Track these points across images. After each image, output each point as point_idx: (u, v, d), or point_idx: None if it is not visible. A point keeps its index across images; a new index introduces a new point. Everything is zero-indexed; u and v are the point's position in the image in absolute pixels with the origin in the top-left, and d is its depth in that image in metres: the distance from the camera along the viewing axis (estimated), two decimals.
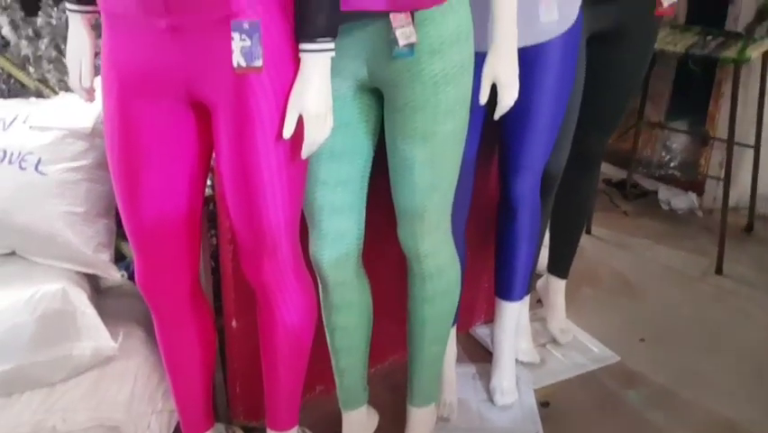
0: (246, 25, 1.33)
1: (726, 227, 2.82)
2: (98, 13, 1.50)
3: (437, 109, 1.55)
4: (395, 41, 1.48)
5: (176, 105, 1.45)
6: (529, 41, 1.74)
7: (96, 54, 1.56)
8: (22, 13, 2.52)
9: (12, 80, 2.70)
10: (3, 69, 2.69)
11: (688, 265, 2.89)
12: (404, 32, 1.48)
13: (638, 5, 2.00)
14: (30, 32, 2.49)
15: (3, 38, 2.65)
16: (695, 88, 3.20)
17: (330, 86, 1.40)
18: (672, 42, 2.79)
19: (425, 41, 1.49)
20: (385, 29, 1.48)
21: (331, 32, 1.37)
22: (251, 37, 1.34)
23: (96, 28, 1.56)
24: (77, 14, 1.54)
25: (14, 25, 2.55)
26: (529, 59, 1.75)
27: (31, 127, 1.82)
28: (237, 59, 1.34)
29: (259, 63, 1.35)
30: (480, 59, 1.61)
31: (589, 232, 3.07)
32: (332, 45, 1.37)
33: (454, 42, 1.52)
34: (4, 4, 2.58)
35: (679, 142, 3.29)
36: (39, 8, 2.39)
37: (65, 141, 1.81)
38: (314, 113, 1.39)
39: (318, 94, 1.38)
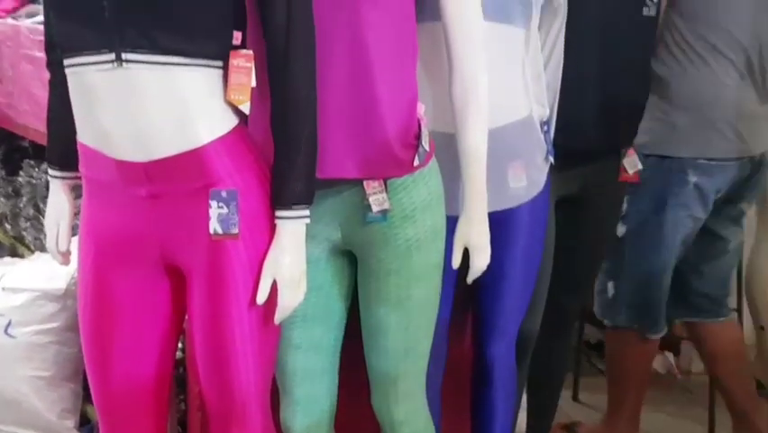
0: (224, 194, 1.36)
1: (714, 393, 2.72)
2: (79, 178, 1.53)
3: (410, 273, 1.57)
4: (368, 208, 1.52)
5: (151, 270, 1.45)
6: (499, 206, 1.79)
7: (75, 214, 1.58)
8: (3, 172, 2.58)
9: None
10: None
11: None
12: (377, 198, 1.52)
13: (603, 172, 2.08)
14: (9, 190, 2.54)
15: None
16: None
17: (304, 253, 1.42)
18: None
19: (397, 208, 1.54)
20: (358, 195, 1.52)
21: (307, 199, 1.40)
22: (228, 205, 1.37)
23: (76, 189, 1.59)
24: (59, 180, 1.57)
25: None
26: (499, 223, 1.79)
27: (3, 289, 1.82)
28: (214, 227, 1.36)
29: (235, 230, 1.37)
30: (451, 222, 1.65)
31: (575, 398, 3.01)
32: (307, 212, 1.41)
33: (426, 208, 1.57)
34: None
35: None
36: (20, 168, 2.45)
37: (36, 302, 1.80)
38: (288, 278, 1.40)
39: (293, 260, 1.40)
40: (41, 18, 2.36)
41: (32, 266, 1.88)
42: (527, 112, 1.79)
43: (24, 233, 2.37)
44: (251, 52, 1.36)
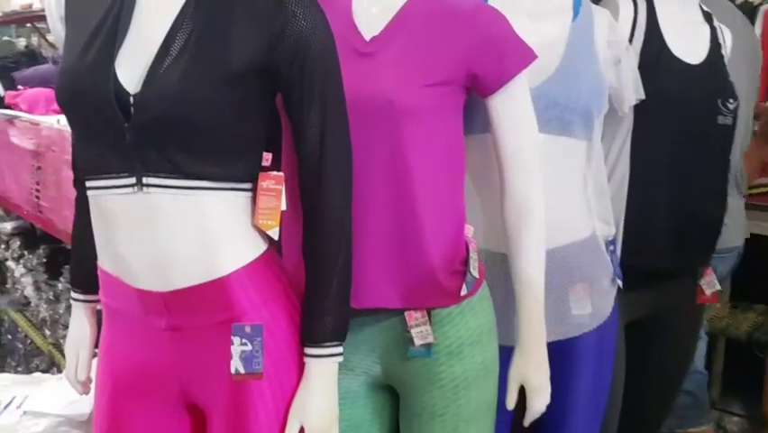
0: (248, 329, 1.23)
1: None
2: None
3: (459, 417, 1.39)
4: (410, 341, 1.36)
5: (170, 407, 1.32)
6: (560, 336, 1.60)
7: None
8: (46, 276, 2.52)
9: (29, 341, 2.65)
10: (21, 329, 2.65)
11: None
12: (420, 331, 1.37)
13: (678, 292, 1.88)
14: (51, 294, 2.47)
15: (25, 297, 2.63)
16: (747, 367, 2.99)
17: (336, 395, 1.26)
18: (732, 325, 2.63)
19: (442, 342, 1.38)
20: (400, 325, 1.38)
21: (339, 336, 1.26)
22: (252, 341, 1.23)
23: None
24: (81, 304, 1.47)
25: (37, 286, 2.55)
26: (560, 355, 1.60)
27: (25, 413, 1.70)
28: (236, 366, 1.22)
29: (259, 369, 1.23)
30: (505, 353, 1.48)
31: None
32: (340, 349, 1.26)
33: (475, 343, 1.40)
34: (29, 265, 2.59)
35: (733, 423, 3.02)
36: (61, 273, 2.38)
37: (59, 429, 1.68)
38: (317, 426, 1.24)
39: (323, 404, 1.24)
40: None
41: (57, 387, 1.77)
42: (590, 231, 1.62)
43: (62, 340, 2.28)
44: (281, 174, 1.25)
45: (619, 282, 1.68)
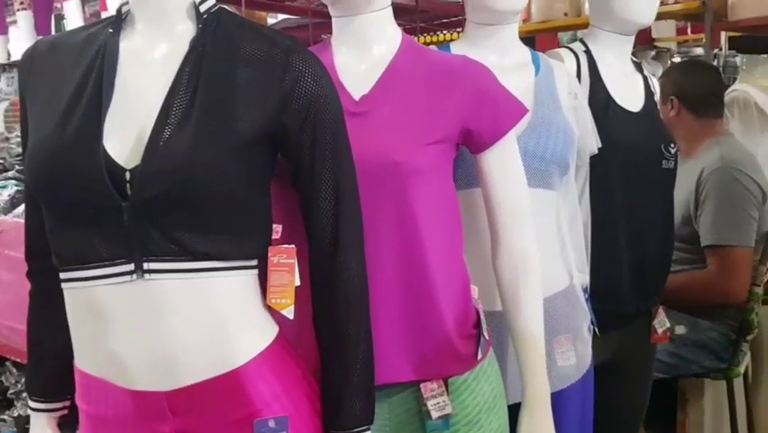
0: (272, 423, 1.10)
1: None
2: (67, 408, 1.25)
3: None
4: (427, 414, 1.28)
5: None
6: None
7: None
8: None
9: None
10: None
11: None
12: (437, 403, 1.29)
13: (634, 334, 1.91)
14: None
15: None
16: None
17: None
18: None
19: (461, 412, 1.31)
20: (413, 399, 1.29)
21: (369, 418, 1.16)
22: None
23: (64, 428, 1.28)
24: (43, 414, 1.27)
25: None
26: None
27: None
28: None
29: None
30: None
31: None
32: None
33: (491, 409, 1.34)
34: None
35: None
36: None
37: None
38: None
39: None
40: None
41: None
42: (569, 280, 1.62)
43: None
44: (292, 247, 1.14)
45: (595, 329, 1.68)
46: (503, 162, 1.37)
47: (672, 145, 1.86)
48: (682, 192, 2.29)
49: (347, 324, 1.15)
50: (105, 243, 1.05)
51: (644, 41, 5.06)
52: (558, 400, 1.60)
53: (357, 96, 1.31)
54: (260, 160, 1.10)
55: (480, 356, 1.33)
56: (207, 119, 1.06)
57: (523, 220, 1.40)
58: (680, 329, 2.51)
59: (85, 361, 1.13)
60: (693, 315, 2.51)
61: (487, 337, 1.36)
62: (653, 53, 5.41)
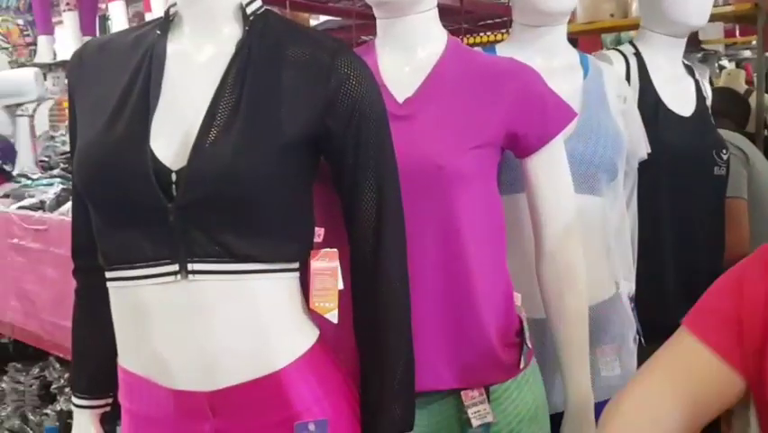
0: (312, 427, 1.09)
1: None
2: (110, 404, 1.25)
3: None
4: (467, 422, 1.26)
5: None
6: None
7: None
8: None
9: None
10: None
11: None
12: (478, 411, 1.27)
13: None
14: None
15: None
16: None
17: None
18: None
19: (502, 421, 1.28)
20: (454, 406, 1.27)
21: (409, 424, 1.14)
22: None
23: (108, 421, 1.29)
24: (86, 410, 1.28)
25: None
26: None
27: None
28: None
29: None
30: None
31: None
32: None
33: (533, 419, 1.32)
34: None
35: None
36: (4, 371, 2.12)
37: None
38: None
39: None
40: (29, 201, 2.12)
41: None
42: (615, 289, 1.58)
43: None
44: (335, 251, 1.13)
45: (641, 339, 1.64)
46: (550, 168, 1.35)
47: (725, 151, 1.81)
48: None
49: (388, 330, 1.14)
50: (151, 243, 1.05)
51: (690, 43, 4.96)
52: (602, 411, 1.58)
53: (401, 98, 1.30)
54: (305, 162, 1.10)
55: (522, 365, 1.31)
56: (253, 121, 1.05)
57: (568, 228, 1.37)
58: None
59: (128, 359, 1.13)
60: None
61: (530, 346, 1.33)
62: (699, 56, 5.31)
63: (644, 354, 1.73)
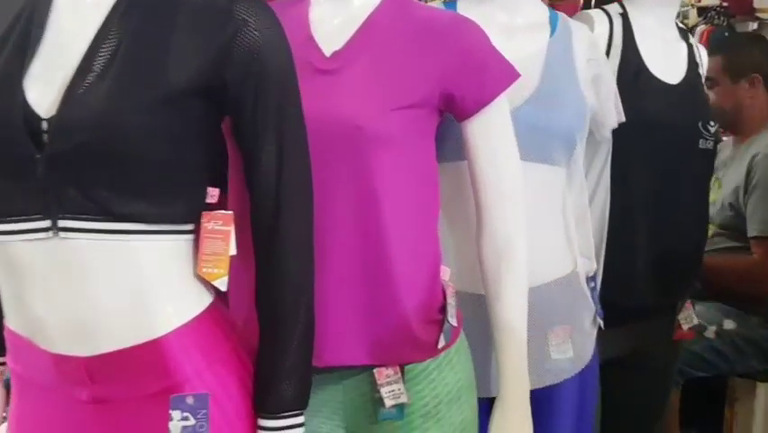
0: (190, 400, 1.02)
1: None
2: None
3: None
4: (380, 401, 1.19)
5: None
6: (539, 384, 1.43)
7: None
8: None
9: None
10: None
11: None
12: (391, 390, 1.19)
13: (656, 329, 1.75)
14: None
15: None
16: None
17: None
18: None
19: (417, 401, 1.20)
20: (367, 384, 1.20)
21: (300, 405, 1.07)
22: (195, 415, 1.03)
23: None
24: None
25: None
26: (540, 404, 1.42)
27: None
28: None
29: None
30: (483, 406, 1.31)
31: None
32: (301, 419, 1.07)
33: (453, 401, 1.23)
34: None
35: None
36: None
37: None
38: None
39: None
40: None
41: None
42: (571, 267, 1.47)
43: None
44: (230, 213, 1.05)
45: (600, 322, 1.54)
46: (490, 132, 1.24)
47: (712, 124, 1.66)
48: (734, 177, 2.08)
49: (284, 301, 1.06)
50: (22, 196, 0.98)
51: (743, 11, 4.70)
52: (551, 395, 1.48)
53: (328, 52, 1.20)
54: (194, 115, 1.01)
55: (443, 344, 1.22)
56: (132, 68, 0.97)
57: (511, 199, 1.27)
58: (728, 324, 2.32)
59: (12, 319, 1.08)
60: (744, 310, 2.31)
61: (454, 324, 1.24)
62: (754, 25, 5.02)
63: (612, 337, 1.63)
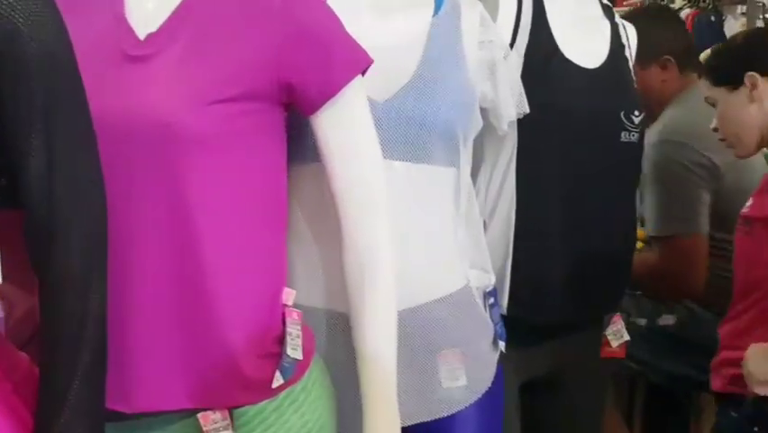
0: None
1: None
2: None
3: None
4: None
5: None
6: (426, 416, 1.25)
7: None
8: None
9: None
10: None
11: None
12: None
13: (579, 345, 1.56)
14: None
15: None
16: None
17: None
18: None
19: None
20: (194, 428, 1.01)
21: None
22: None
23: None
24: None
25: None
26: None
27: None
28: None
29: None
30: None
31: None
32: None
33: None
34: None
35: None
36: None
37: None
38: None
39: None
40: None
41: None
42: (462, 282, 1.28)
43: None
44: None
45: (502, 345, 1.34)
46: (340, 128, 1.05)
47: (636, 113, 1.46)
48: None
49: (64, 339, 0.86)
50: None
51: None
52: (444, 428, 1.29)
53: (143, 35, 1.01)
54: None
55: (280, 383, 1.03)
56: None
57: (371, 204, 1.08)
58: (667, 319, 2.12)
59: None
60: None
61: (297, 357, 1.05)
62: (743, 8, 4.80)
63: (524, 358, 1.44)
